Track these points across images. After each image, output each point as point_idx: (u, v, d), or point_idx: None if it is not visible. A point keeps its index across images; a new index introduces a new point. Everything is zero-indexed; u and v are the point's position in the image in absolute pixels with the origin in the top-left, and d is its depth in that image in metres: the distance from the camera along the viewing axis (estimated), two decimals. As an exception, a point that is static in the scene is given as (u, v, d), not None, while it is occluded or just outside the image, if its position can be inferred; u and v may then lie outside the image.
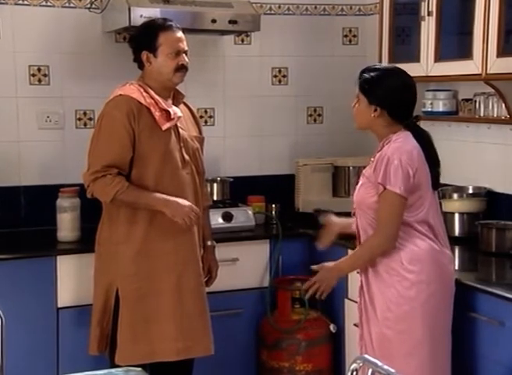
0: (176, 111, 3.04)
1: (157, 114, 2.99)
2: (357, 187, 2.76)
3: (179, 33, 3.04)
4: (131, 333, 3.00)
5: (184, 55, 3.04)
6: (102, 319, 3.07)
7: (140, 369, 1.95)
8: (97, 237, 3.13)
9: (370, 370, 1.55)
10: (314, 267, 2.82)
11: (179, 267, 3.03)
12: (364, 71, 2.72)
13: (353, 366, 1.59)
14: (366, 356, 1.57)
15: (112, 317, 3.05)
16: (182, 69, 3.03)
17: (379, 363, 1.53)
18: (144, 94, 3.00)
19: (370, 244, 2.67)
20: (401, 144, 2.61)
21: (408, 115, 2.68)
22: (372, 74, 2.67)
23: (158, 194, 2.96)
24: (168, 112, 3.01)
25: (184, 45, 3.05)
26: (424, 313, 2.61)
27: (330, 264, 2.77)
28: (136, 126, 2.96)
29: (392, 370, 1.50)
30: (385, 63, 3.70)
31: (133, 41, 3.13)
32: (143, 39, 3.04)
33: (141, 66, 3.09)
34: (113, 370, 1.95)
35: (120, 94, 3.00)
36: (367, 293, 2.72)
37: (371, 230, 2.68)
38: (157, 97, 3.01)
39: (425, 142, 2.66)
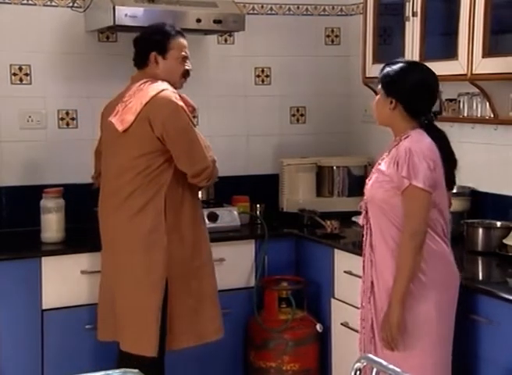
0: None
1: (189, 109, 3.11)
2: (370, 182, 2.70)
3: (186, 41, 3.19)
4: (182, 319, 3.06)
5: (188, 61, 3.19)
6: (160, 314, 3.04)
7: (137, 370, 1.93)
8: (137, 230, 3.02)
9: (374, 370, 1.55)
10: None
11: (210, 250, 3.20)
12: (385, 65, 2.70)
13: (357, 365, 1.59)
14: (370, 356, 1.57)
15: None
16: (187, 75, 3.19)
17: (384, 363, 1.53)
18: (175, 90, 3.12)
19: (402, 248, 2.54)
20: (421, 139, 2.58)
21: (424, 111, 2.65)
22: (393, 67, 2.65)
23: None
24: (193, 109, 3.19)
25: (188, 52, 3.19)
26: (437, 315, 2.59)
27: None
28: None
29: (398, 369, 1.50)
30: (368, 64, 3.73)
31: (141, 40, 3.18)
32: (154, 40, 3.12)
33: (143, 65, 3.13)
34: (110, 371, 1.93)
35: (165, 89, 3.04)
36: (375, 274, 2.67)
37: (386, 226, 2.62)
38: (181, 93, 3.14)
39: (442, 142, 2.63)
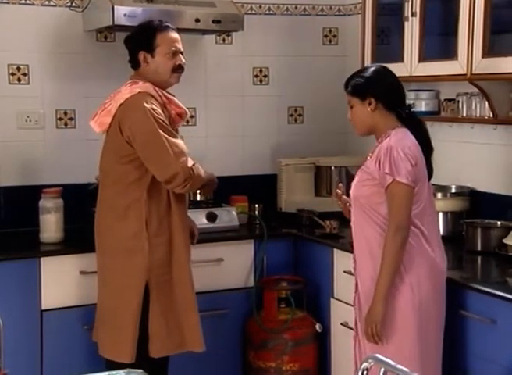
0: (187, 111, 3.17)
1: (173, 112, 3.04)
2: (354, 182, 2.77)
3: (176, 34, 3.09)
4: (164, 325, 3.02)
5: (181, 55, 3.08)
6: (138, 319, 3.00)
7: (141, 370, 1.92)
8: (120, 234, 3.01)
9: (382, 370, 1.54)
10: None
11: (189, 257, 3.11)
12: (349, 79, 2.77)
13: (364, 365, 1.58)
14: (378, 356, 1.56)
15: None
16: (179, 69, 3.08)
17: (392, 363, 1.53)
18: (159, 92, 3.04)
19: (386, 243, 2.60)
20: (402, 137, 2.64)
21: (400, 104, 2.72)
22: (363, 74, 2.73)
23: None
24: (185, 112, 3.12)
25: (180, 46, 3.09)
26: (413, 309, 2.63)
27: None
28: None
29: (406, 369, 1.50)
30: (367, 63, 3.74)
31: (129, 41, 3.12)
32: (140, 39, 3.06)
33: (136, 66, 3.08)
34: (114, 372, 1.92)
35: (140, 92, 2.97)
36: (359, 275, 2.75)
37: (368, 225, 2.68)
38: (170, 96, 3.07)
39: (420, 129, 2.70)
